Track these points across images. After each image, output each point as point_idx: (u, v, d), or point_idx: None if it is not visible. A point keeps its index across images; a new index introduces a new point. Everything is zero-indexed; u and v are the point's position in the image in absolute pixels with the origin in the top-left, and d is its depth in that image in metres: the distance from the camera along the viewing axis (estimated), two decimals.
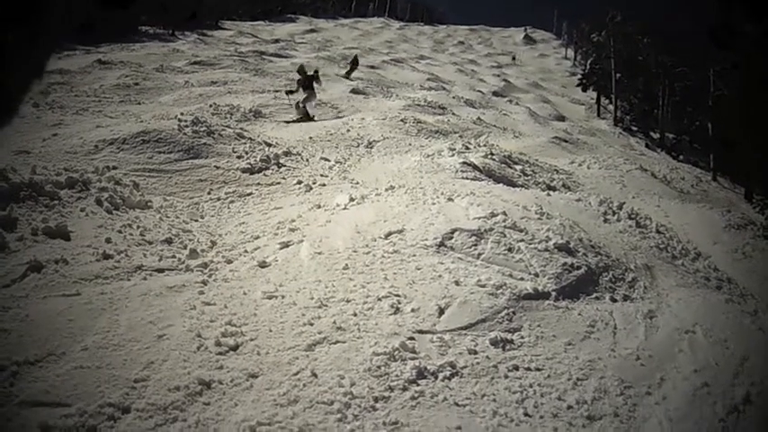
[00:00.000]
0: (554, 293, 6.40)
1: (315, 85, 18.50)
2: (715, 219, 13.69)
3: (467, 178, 11.54)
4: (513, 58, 55.07)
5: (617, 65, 46.60)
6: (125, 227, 7.45)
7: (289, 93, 18.73)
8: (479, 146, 14.42)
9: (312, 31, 63.38)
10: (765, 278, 10.26)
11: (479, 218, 7.58)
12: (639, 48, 49.01)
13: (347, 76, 30.26)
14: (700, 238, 11.62)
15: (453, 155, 13.12)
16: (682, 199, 16.12)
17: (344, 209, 8.52)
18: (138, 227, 7.55)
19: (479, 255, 6.89)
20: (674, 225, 11.78)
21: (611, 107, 46.68)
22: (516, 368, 5.12)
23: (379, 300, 5.90)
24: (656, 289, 7.33)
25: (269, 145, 12.14)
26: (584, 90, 51.03)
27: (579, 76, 54.95)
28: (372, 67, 36.21)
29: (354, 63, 31.78)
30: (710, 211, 14.32)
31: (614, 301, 6.67)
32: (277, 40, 46.01)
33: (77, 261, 6.32)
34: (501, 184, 11.45)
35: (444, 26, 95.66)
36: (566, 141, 21.54)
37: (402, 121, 17.25)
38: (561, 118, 35.84)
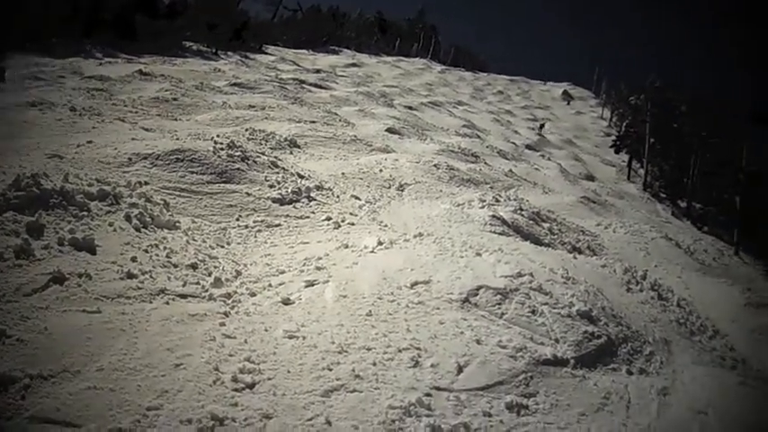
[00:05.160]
0: (572, 361, 6.33)
1: None
2: (735, 296, 13.50)
3: (495, 232, 11.49)
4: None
5: (652, 130, 46.45)
6: (152, 247, 7.46)
7: None
8: (509, 199, 14.35)
9: (354, 65, 63.37)
10: None
11: (506, 276, 7.51)
12: (676, 115, 48.87)
13: None
14: (718, 315, 11.43)
15: (483, 206, 13.05)
16: (703, 272, 15.92)
17: (372, 252, 8.47)
18: (165, 248, 7.55)
19: (503, 314, 6.83)
20: (694, 299, 11.66)
21: (641, 171, 46.44)
22: None
23: (400, 351, 5.85)
24: (672, 365, 7.26)
25: (301, 177, 12.10)
26: (617, 152, 50.71)
27: (613, 138, 54.66)
28: (410, 107, 36.18)
29: None
30: (731, 288, 14.12)
31: (630, 374, 6.61)
32: (318, 71, 46.09)
33: (101, 277, 6.34)
34: (528, 242, 11.39)
35: (485, 74, 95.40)
36: (594, 202, 21.42)
37: (435, 166, 17.15)
38: (591, 177, 35.68)
